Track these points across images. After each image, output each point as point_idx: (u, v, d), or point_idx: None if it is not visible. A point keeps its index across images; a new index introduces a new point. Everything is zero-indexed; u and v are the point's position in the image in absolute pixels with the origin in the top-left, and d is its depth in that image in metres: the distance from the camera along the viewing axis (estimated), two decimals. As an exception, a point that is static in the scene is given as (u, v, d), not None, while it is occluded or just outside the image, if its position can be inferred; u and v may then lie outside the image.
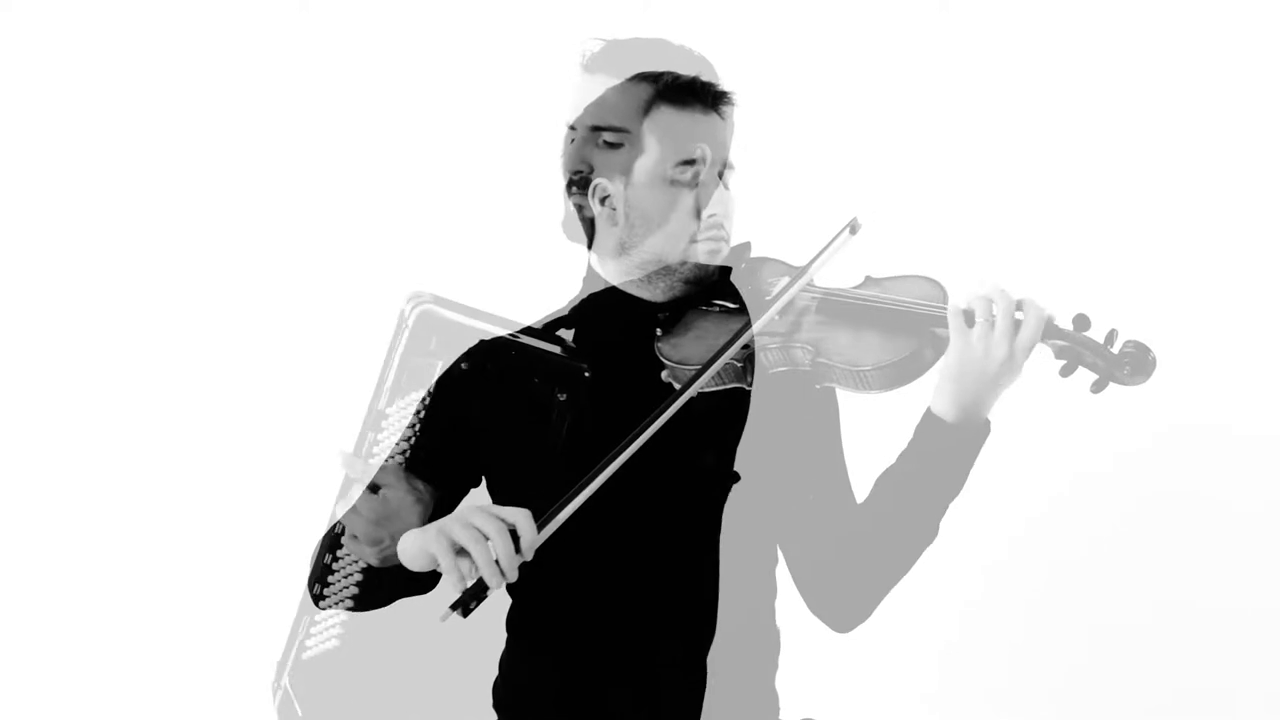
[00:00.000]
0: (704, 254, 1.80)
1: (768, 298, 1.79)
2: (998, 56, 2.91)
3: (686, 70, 1.80)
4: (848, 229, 1.77)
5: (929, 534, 1.77)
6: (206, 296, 3.00)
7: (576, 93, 1.84)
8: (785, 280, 1.80)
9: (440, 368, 1.92)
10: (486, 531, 1.52)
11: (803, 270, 1.76)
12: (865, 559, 1.80)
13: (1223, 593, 2.79)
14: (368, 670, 2.03)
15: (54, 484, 3.00)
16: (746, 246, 1.88)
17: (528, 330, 1.85)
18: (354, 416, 1.98)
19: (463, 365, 1.84)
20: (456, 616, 1.51)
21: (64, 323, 3.02)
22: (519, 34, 2.95)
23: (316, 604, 1.81)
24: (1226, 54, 2.85)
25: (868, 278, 1.82)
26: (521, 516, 1.54)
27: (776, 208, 2.22)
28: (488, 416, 1.82)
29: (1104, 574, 2.82)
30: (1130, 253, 2.86)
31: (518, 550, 1.53)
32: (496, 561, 1.51)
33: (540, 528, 1.55)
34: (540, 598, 1.81)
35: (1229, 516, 2.81)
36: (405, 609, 1.96)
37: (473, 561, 1.51)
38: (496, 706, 1.85)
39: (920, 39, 2.91)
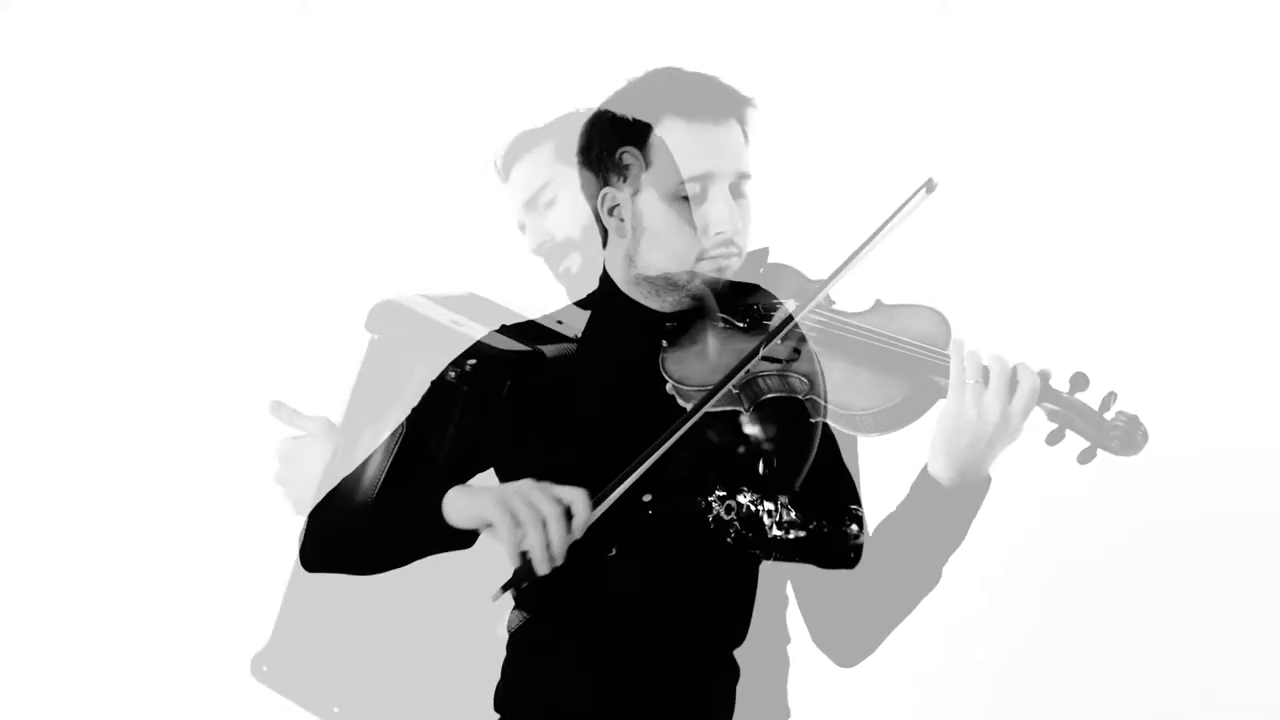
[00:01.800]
0: (710, 272, 1.77)
1: (771, 321, 1.77)
2: (998, 57, 2.91)
3: (697, 80, 1.77)
4: (924, 189, 1.75)
5: (930, 582, 1.77)
6: (208, 295, 3.01)
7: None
8: (793, 301, 1.77)
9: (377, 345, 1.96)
10: (544, 514, 1.56)
11: (878, 230, 1.73)
12: (866, 600, 1.80)
13: (1211, 611, 2.81)
14: (360, 652, 2.04)
15: (47, 484, 3.00)
16: (764, 253, 1.86)
17: (523, 326, 1.85)
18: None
19: (463, 364, 1.84)
20: (505, 598, 1.57)
21: (63, 321, 3.02)
22: (520, 32, 2.95)
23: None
24: (1232, 58, 2.85)
25: (878, 302, 1.80)
26: (579, 497, 1.57)
27: (774, 209, 2.21)
28: (479, 415, 1.82)
29: (1118, 578, 2.83)
30: (1133, 254, 2.86)
31: (569, 531, 1.57)
32: (549, 546, 1.55)
33: (595, 506, 1.58)
34: (546, 608, 1.81)
35: (1213, 540, 2.82)
36: (407, 591, 1.96)
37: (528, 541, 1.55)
38: (498, 707, 1.85)
39: (920, 39, 2.91)
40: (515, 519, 1.57)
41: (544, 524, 1.56)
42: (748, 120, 1.81)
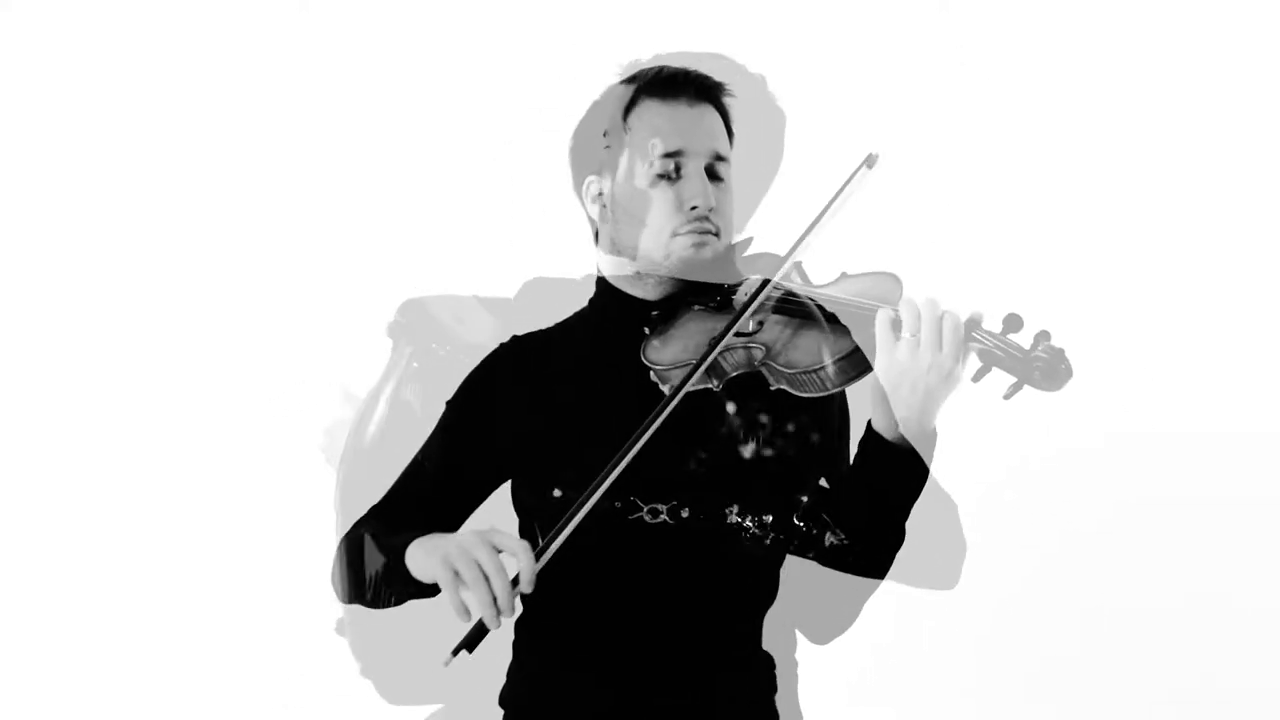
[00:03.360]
0: (687, 248, 1.77)
1: (743, 295, 1.77)
2: (997, 57, 2.92)
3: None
4: (865, 165, 1.75)
5: (893, 541, 1.74)
6: (206, 297, 3.00)
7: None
8: (758, 276, 1.78)
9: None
10: (485, 569, 1.54)
11: (818, 217, 1.74)
12: (835, 570, 1.79)
13: (1180, 593, 2.83)
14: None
15: (52, 488, 3.00)
16: (746, 243, 1.87)
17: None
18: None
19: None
20: (463, 655, 1.55)
21: (62, 325, 3.02)
22: (521, 33, 2.96)
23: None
24: (1225, 58, 2.86)
25: (843, 274, 1.81)
26: (521, 549, 1.56)
27: (772, 206, 2.23)
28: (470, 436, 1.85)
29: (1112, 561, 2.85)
30: (1126, 256, 2.87)
31: (515, 584, 1.55)
32: (495, 601, 1.53)
33: (538, 557, 1.57)
34: (548, 609, 1.81)
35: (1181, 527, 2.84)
36: None
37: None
38: (503, 704, 1.85)
39: (920, 39, 2.92)
40: (459, 577, 1.55)
41: (486, 580, 1.54)
42: (730, 111, 1.84)
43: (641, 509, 1.74)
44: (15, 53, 3.02)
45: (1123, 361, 2.81)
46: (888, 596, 1.91)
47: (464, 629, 1.56)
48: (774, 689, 1.83)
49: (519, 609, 1.59)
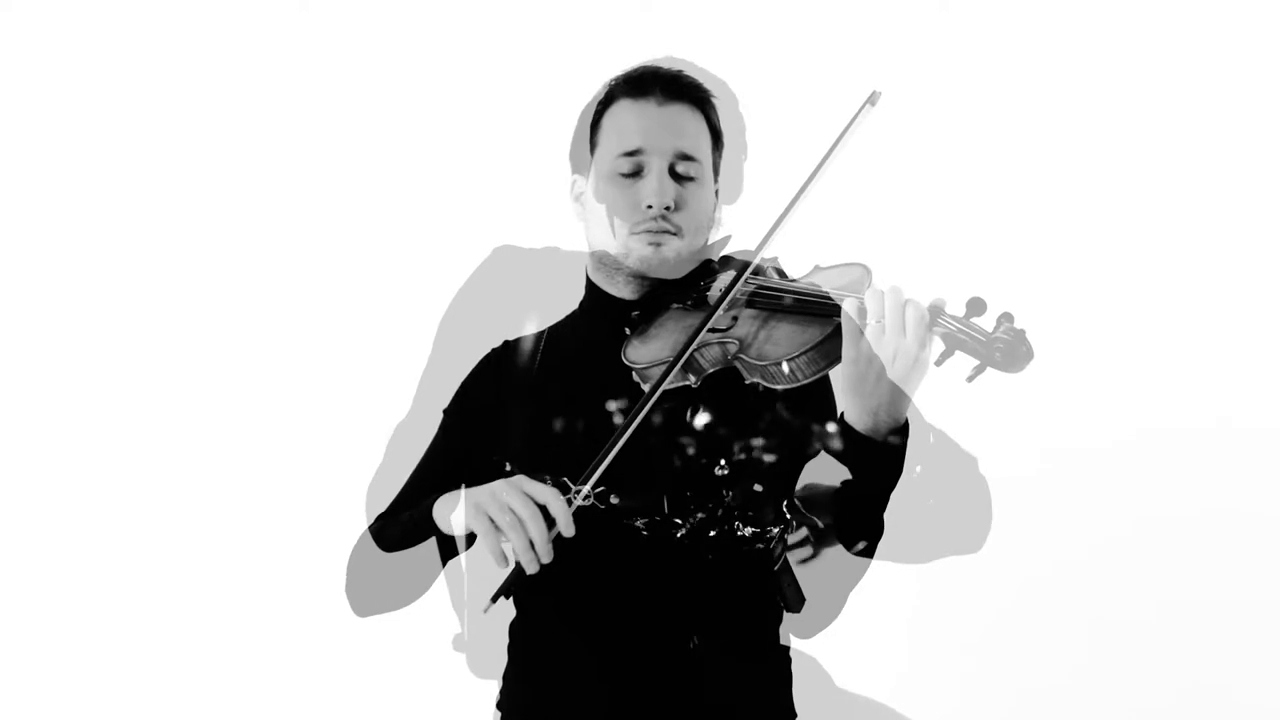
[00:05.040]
0: (644, 246, 1.77)
1: (717, 291, 1.77)
2: (997, 56, 2.92)
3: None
4: (868, 103, 1.75)
5: (873, 532, 1.71)
6: (207, 298, 3.00)
7: None
8: (731, 272, 1.78)
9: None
10: (521, 515, 1.56)
11: (830, 152, 1.75)
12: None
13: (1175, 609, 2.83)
14: None
15: (55, 487, 3.00)
16: (724, 241, 1.87)
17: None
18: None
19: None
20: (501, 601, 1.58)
21: (63, 327, 3.01)
22: (521, 33, 2.96)
23: None
24: (1222, 57, 2.86)
25: (815, 267, 1.80)
26: (552, 496, 1.58)
27: (770, 204, 2.23)
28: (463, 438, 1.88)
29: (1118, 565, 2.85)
30: (1123, 254, 2.88)
31: (551, 527, 1.57)
32: (532, 545, 1.56)
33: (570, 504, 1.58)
34: (541, 609, 1.81)
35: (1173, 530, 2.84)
36: None
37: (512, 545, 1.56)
38: (500, 707, 1.85)
39: (920, 39, 2.92)
40: (494, 524, 1.57)
41: (523, 526, 1.56)
42: (714, 110, 1.83)
43: (569, 489, 1.74)
44: (15, 53, 3.02)
45: (1118, 358, 2.82)
46: (887, 595, 1.91)
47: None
48: (781, 686, 1.82)
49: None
